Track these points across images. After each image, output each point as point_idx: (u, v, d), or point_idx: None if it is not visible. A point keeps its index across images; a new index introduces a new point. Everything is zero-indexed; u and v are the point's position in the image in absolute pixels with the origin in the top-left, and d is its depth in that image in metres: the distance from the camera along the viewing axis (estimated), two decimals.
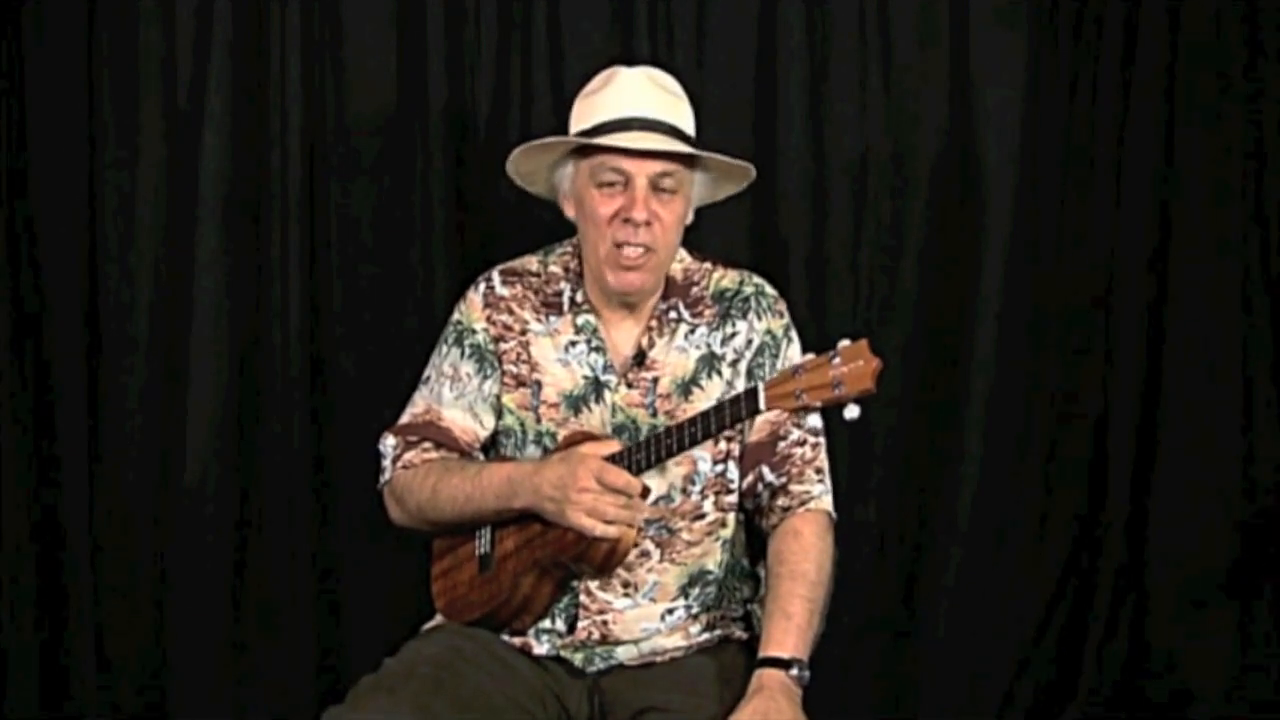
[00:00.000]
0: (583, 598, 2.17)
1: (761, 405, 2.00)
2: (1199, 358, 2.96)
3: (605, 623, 2.17)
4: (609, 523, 2.04)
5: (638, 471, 2.06)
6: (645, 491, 2.07)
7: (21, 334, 2.92)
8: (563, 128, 2.25)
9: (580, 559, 2.09)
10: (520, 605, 2.16)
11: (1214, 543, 2.97)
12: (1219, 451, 2.96)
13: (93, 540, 2.94)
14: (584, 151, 2.16)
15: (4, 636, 2.92)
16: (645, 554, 2.17)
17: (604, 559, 2.08)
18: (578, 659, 2.18)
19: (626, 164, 2.12)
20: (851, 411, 1.94)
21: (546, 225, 2.52)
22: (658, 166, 2.12)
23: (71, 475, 2.93)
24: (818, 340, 2.12)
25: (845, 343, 1.96)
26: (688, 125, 2.18)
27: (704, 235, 2.29)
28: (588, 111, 2.17)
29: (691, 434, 2.05)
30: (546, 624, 2.19)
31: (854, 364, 1.93)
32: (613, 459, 2.06)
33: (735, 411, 2.03)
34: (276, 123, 2.92)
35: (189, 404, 2.94)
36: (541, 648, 2.19)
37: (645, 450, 2.07)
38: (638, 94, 2.15)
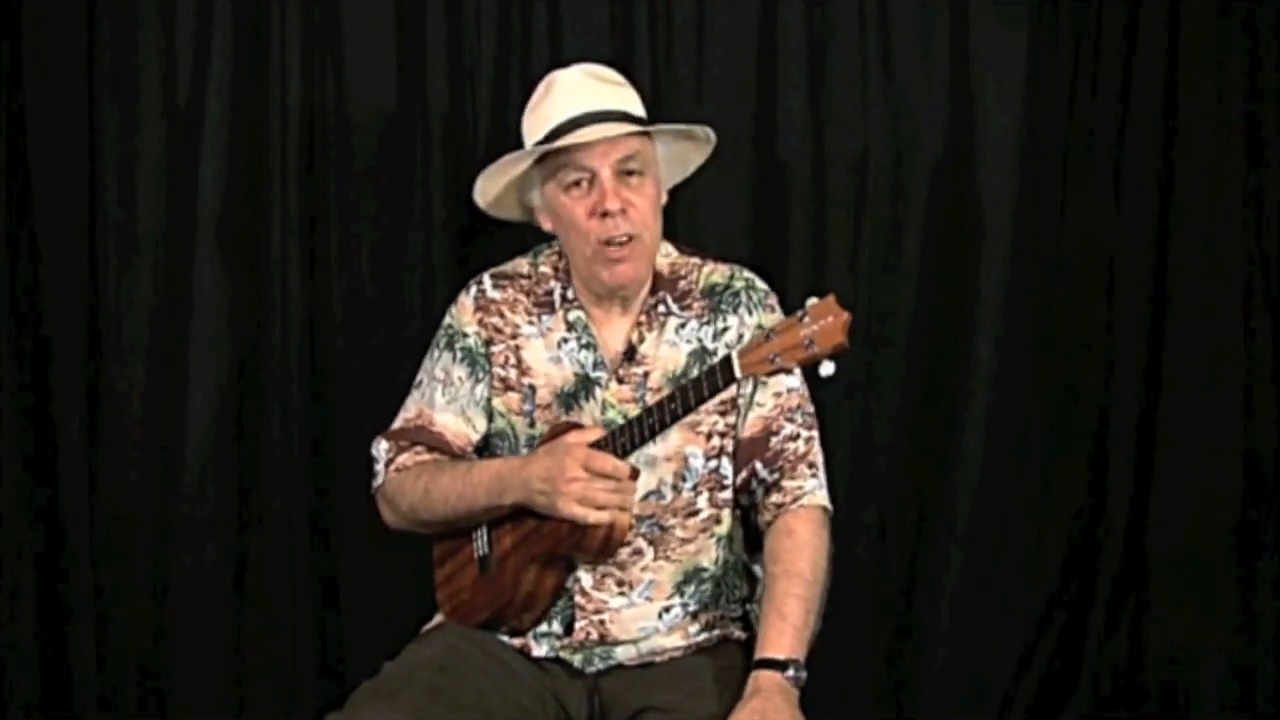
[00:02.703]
0: (578, 598, 2.17)
1: (737, 373, 2.00)
2: (1199, 358, 2.95)
3: (603, 622, 2.16)
4: (601, 508, 2.04)
5: (623, 454, 2.07)
6: (635, 473, 2.07)
7: (21, 334, 2.92)
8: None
9: (578, 548, 2.10)
10: (524, 602, 2.16)
11: (1214, 542, 2.96)
12: (1219, 451, 2.96)
13: (93, 540, 2.94)
14: (546, 165, 2.16)
15: (4, 636, 2.92)
16: (639, 552, 2.17)
17: (601, 544, 2.08)
18: (577, 660, 2.18)
19: (587, 159, 2.12)
20: (827, 369, 1.94)
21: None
22: (618, 153, 2.12)
23: (71, 475, 2.93)
24: None
25: (813, 300, 1.95)
26: (636, 108, 2.19)
27: (704, 235, 2.29)
28: (537, 124, 2.18)
29: (672, 410, 2.05)
30: (544, 626, 2.18)
31: (824, 320, 1.93)
32: (598, 445, 2.07)
33: (712, 383, 2.02)
34: (276, 123, 2.92)
35: (189, 404, 2.94)
36: (540, 649, 2.18)
37: (628, 432, 2.07)
38: (579, 92, 2.15)
